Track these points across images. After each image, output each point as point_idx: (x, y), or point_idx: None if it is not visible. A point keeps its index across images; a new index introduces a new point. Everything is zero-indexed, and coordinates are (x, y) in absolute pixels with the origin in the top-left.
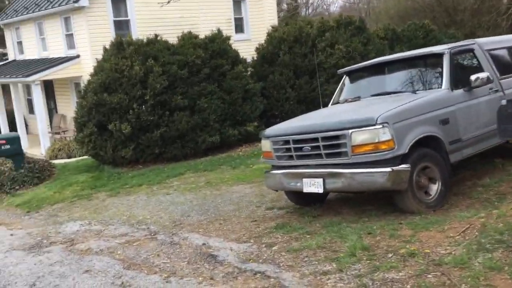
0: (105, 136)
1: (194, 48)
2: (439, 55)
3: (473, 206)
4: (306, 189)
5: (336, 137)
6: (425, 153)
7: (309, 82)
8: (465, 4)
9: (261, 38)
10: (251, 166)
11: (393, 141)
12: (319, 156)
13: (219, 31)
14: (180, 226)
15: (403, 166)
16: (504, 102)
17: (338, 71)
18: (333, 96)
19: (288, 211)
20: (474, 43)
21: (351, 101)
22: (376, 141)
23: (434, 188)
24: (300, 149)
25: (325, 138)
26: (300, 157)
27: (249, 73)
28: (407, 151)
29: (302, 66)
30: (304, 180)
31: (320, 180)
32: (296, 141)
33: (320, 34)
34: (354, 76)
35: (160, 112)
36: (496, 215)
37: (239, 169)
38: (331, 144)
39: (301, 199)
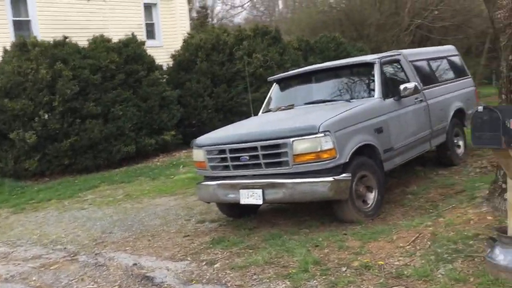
0: (5, 146)
1: (107, 52)
2: (370, 64)
3: (408, 214)
4: (243, 201)
5: (277, 146)
6: (363, 162)
7: (227, 91)
8: (371, 20)
9: (174, 44)
10: (172, 176)
11: (335, 150)
12: (258, 166)
13: (133, 35)
14: (102, 245)
15: (344, 175)
16: (480, 108)
17: (268, 78)
18: (263, 104)
19: (221, 224)
20: (399, 54)
21: (284, 109)
22: (318, 150)
23: (371, 196)
24: (237, 158)
25: (264, 147)
26: (237, 167)
27: (164, 80)
28: (347, 160)
29: (220, 74)
30: (242, 191)
31: (259, 191)
32: (233, 150)
33: (237, 43)
34: (285, 84)
35: (70, 120)
36: (444, 223)
37: (159, 180)
38: (271, 153)
39: (234, 211)
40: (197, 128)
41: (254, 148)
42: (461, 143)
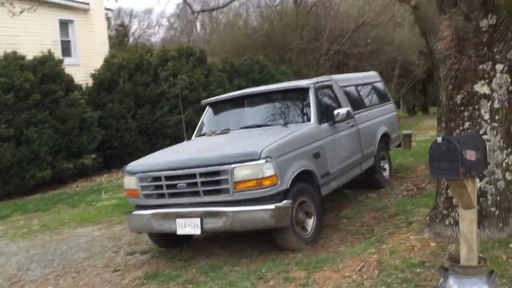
0: None
1: (21, 70)
2: (305, 90)
3: (347, 239)
4: (180, 231)
5: (216, 173)
6: (302, 188)
7: (152, 112)
8: (293, 44)
9: (92, 63)
10: (94, 203)
11: (276, 176)
12: (195, 193)
13: (50, 52)
14: (19, 284)
15: (285, 202)
16: (439, 139)
17: (202, 101)
18: (197, 128)
19: (154, 255)
20: (331, 80)
21: (220, 134)
22: (260, 176)
23: (310, 222)
24: (174, 186)
25: (203, 174)
26: (173, 195)
27: (84, 100)
28: (288, 186)
29: (144, 95)
30: (178, 220)
31: (197, 220)
32: (169, 178)
33: (161, 63)
34: (218, 107)
35: None
36: (389, 250)
37: (79, 207)
38: (210, 181)
39: (167, 241)
40: (118, 151)
41: (192, 175)
42: (387, 166)
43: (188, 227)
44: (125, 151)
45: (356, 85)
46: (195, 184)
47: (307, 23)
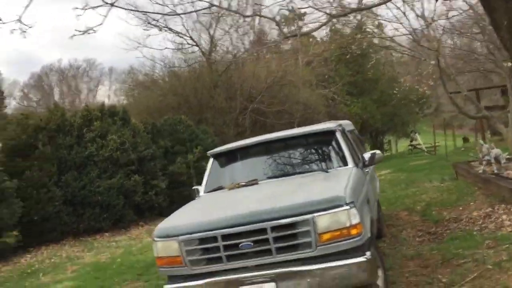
0: None
1: None
2: (332, 132)
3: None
4: None
5: (293, 225)
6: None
7: (78, 178)
8: (210, 104)
9: None
10: None
11: (361, 224)
12: (265, 252)
13: None
14: None
15: (371, 252)
16: None
17: (208, 152)
18: (204, 183)
19: None
20: (341, 124)
21: (247, 185)
22: (348, 225)
23: (381, 274)
24: (235, 246)
25: (276, 228)
26: (233, 257)
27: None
28: (370, 234)
29: (68, 159)
30: None
31: (271, 286)
32: (228, 237)
33: (85, 124)
34: (227, 158)
35: None
36: None
37: None
38: (285, 235)
39: None
40: (38, 226)
41: (261, 231)
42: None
43: None
44: (45, 225)
45: (350, 131)
46: (265, 241)
47: (222, 83)
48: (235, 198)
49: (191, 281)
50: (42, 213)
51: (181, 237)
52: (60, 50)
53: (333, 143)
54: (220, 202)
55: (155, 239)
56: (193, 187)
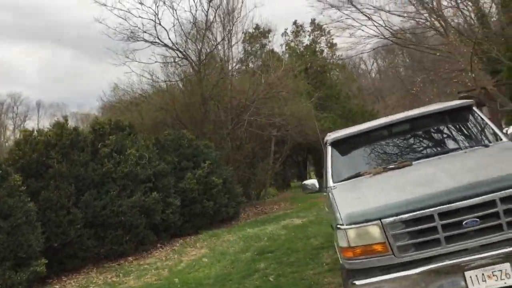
0: None
1: None
2: (469, 108)
3: None
4: None
5: None
6: None
7: (98, 197)
8: (209, 117)
9: None
10: None
11: None
12: (495, 229)
13: None
14: None
15: None
16: None
17: (327, 139)
18: (329, 175)
19: None
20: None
21: (398, 168)
22: None
23: None
24: (456, 225)
25: (507, 199)
26: (453, 238)
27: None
28: None
29: (85, 177)
30: (468, 274)
31: (506, 266)
32: (447, 214)
33: (98, 138)
34: (350, 144)
35: None
36: None
37: None
38: None
39: None
40: (59, 253)
41: (489, 204)
42: None
43: (490, 279)
44: (66, 252)
45: None
46: (494, 215)
47: (213, 95)
48: (416, 177)
49: (399, 271)
50: (62, 238)
51: (386, 220)
52: None
53: (475, 118)
54: (394, 182)
55: (345, 227)
56: (303, 182)
